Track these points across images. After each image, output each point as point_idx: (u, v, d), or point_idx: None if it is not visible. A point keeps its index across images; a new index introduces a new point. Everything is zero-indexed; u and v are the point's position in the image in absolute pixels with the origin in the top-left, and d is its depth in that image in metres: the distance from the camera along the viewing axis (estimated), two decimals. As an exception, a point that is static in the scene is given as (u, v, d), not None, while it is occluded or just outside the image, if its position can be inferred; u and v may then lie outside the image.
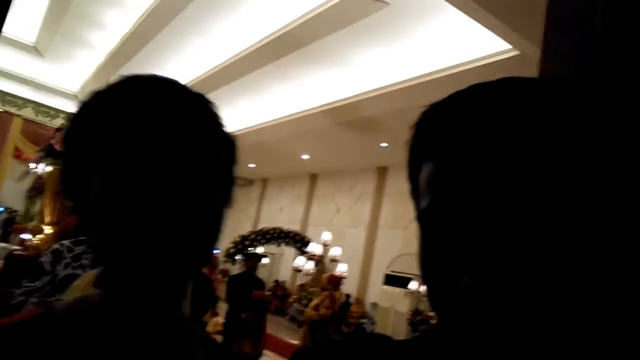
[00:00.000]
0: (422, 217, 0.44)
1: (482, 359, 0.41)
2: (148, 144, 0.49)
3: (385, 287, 11.44)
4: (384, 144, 11.05)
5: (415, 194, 0.47)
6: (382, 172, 13.12)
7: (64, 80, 13.29)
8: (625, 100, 0.71)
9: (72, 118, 0.55)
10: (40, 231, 4.56)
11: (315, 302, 6.60)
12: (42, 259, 2.12)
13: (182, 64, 10.01)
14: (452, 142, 0.42)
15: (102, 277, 0.55)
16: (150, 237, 0.48)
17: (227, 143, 0.57)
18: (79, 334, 0.52)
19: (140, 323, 0.54)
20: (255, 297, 5.62)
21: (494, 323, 0.39)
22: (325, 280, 6.73)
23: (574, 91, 0.43)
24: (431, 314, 10.06)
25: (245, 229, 14.12)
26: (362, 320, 11.10)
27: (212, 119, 0.56)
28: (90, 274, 1.59)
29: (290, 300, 11.87)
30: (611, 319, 0.45)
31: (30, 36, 11.18)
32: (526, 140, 0.38)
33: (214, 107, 0.57)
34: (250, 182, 18.32)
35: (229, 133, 0.58)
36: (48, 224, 4.29)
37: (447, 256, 0.41)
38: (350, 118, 9.85)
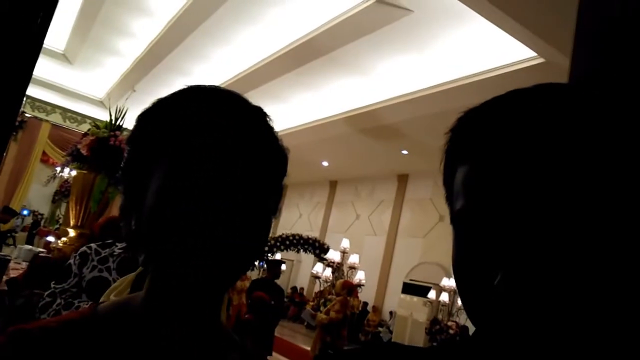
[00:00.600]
0: (458, 218, 0.45)
1: (515, 357, 0.41)
2: (210, 149, 0.51)
3: (404, 295, 11.35)
4: (404, 152, 11.01)
5: (450, 198, 0.48)
6: (402, 180, 13.06)
7: (92, 86, 13.60)
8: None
9: (136, 123, 0.57)
10: (65, 234, 4.64)
11: (328, 306, 6.63)
12: (70, 261, 2.17)
13: (207, 70, 10.15)
14: (488, 144, 0.42)
15: (146, 279, 0.57)
16: (200, 239, 0.49)
17: (280, 155, 0.59)
18: (121, 336, 0.54)
19: (180, 327, 0.55)
20: (255, 298, 5.66)
21: (526, 320, 0.39)
22: (340, 285, 6.76)
23: (607, 100, 0.43)
24: (449, 323, 9.95)
25: (265, 234, 14.16)
26: (380, 329, 11.02)
27: (269, 131, 0.58)
28: (129, 276, 1.63)
29: (307, 307, 11.87)
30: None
31: (59, 44, 11.47)
32: (561, 144, 0.39)
33: (270, 120, 0.58)
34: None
35: (282, 145, 0.60)
36: (73, 227, 4.37)
37: (481, 255, 0.41)
38: (371, 125, 9.84)
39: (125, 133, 4.48)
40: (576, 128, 0.40)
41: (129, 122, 4.49)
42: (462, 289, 0.44)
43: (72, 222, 4.34)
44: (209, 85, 0.57)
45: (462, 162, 0.45)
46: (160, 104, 0.56)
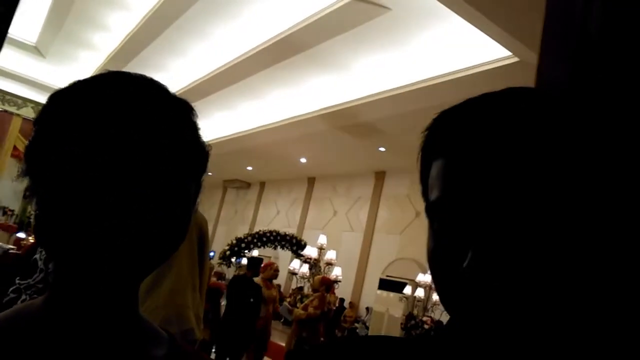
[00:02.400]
0: (431, 208, 0.48)
1: (488, 341, 0.44)
2: (116, 140, 0.49)
3: (380, 291, 11.43)
4: (382, 149, 11.08)
5: (425, 192, 0.51)
6: (379, 177, 13.15)
7: (65, 80, 13.19)
8: (616, 109, 0.72)
9: (47, 102, 0.54)
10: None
11: (305, 302, 6.67)
12: (36, 256, 2.12)
13: (183, 66, 10.03)
14: (461, 141, 0.46)
15: (52, 277, 0.55)
16: (99, 231, 0.48)
17: (197, 149, 0.57)
18: (18, 345, 0.51)
19: (88, 327, 0.53)
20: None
21: (491, 302, 0.41)
22: (318, 282, 6.80)
23: (567, 102, 0.48)
24: (424, 318, 10.08)
25: (242, 231, 14.11)
26: (356, 325, 11.09)
27: (188, 125, 0.56)
28: None
29: (285, 302, 11.88)
30: (607, 295, 0.47)
31: (31, 36, 11.19)
32: (525, 142, 0.43)
33: (194, 116, 0.57)
34: (247, 185, 18.33)
35: (203, 142, 0.58)
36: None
37: (452, 242, 0.44)
38: (349, 122, 9.87)
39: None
40: (538, 128, 0.44)
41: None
42: (435, 276, 0.47)
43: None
44: (134, 74, 0.55)
45: (437, 158, 0.48)
46: (76, 87, 0.53)
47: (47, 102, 0.53)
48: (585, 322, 0.46)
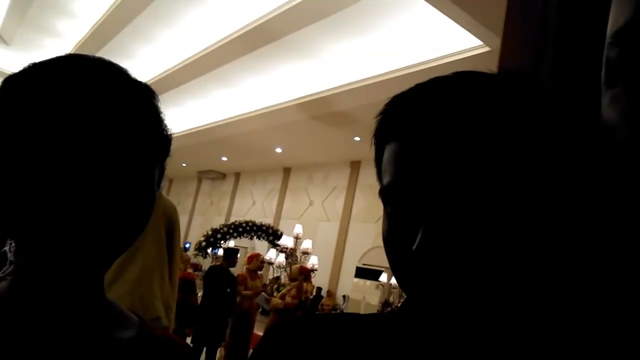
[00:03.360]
0: (384, 193, 0.49)
1: (436, 317, 0.46)
2: (73, 119, 0.48)
3: (357, 279, 11.56)
4: (357, 138, 11.13)
5: (379, 175, 0.52)
6: (355, 166, 13.21)
7: (30, 68, 12.89)
8: (566, 96, 0.75)
9: (2, 85, 0.53)
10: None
11: (282, 291, 6.71)
12: (5, 248, 2.08)
13: (154, 54, 9.85)
14: (409, 126, 0.47)
15: (15, 261, 0.55)
16: (57, 216, 0.47)
17: (161, 134, 0.57)
18: None
19: (53, 308, 0.53)
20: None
21: (442, 279, 0.43)
22: (296, 271, 6.83)
23: (516, 85, 0.49)
24: (400, 305, 10.24)
25: (218, 222, 14.03)
26: (333, 312, 11.20)
27: (148, 108, 0.55)
28: None
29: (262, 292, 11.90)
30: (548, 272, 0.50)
31: (-7, 23, 10.81)
32: (473, 125, 0.45)
33: (156, 99, 0.56)
34: (222, 176, 18.19)
35: (166, 126, 0.58)
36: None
37: (403, 225, 0.46)
38: (323, 112, 9.87)
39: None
40: (486, 112, 0.45)
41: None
42: (389, 258, 0.49)
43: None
44: (92, 56, 0.54)
45: (388, 142, 0.50)
46: (31, 70, 0.52)
47: (1, 85, 0.52)
48: (528, 301, 0.48)
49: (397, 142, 0.48)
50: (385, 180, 0.49)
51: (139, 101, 0.54)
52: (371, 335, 0.54)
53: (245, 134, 12.19)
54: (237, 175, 17.70)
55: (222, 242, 11.64)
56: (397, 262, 0.47)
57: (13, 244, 2.07)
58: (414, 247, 0.43)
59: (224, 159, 15.79)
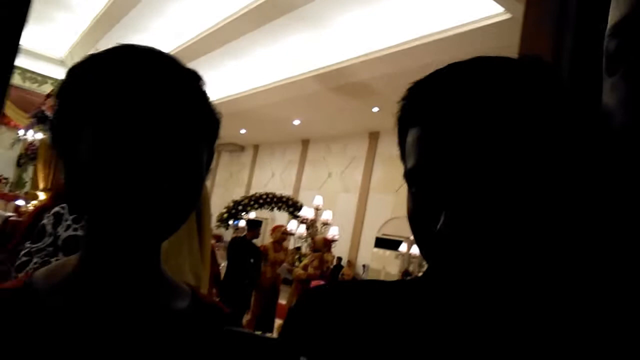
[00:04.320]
0: (408, 176, 0.52)
1: (456, 287, 0.50)
2: (139, 107, 0.53)
3: (376, 249, 11.67)
4: (375, 109, 11.05)
5: (403, 157, 0.55)
6: (373, 137, 13.16)
7: (50, 45, 13.02)
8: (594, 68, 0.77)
9: (66, 77, 0.58)
10: (35, 197, 4.59)
11: (304, 262, 6.84)
12: (44, 221, 2.18)
13: (170, 29, 9.83)
14: (431, 111, 0.50)
15: (84, 238, 0.61)
16: (129, 196, 0.53)
17: (210, 117, 0.61)
18: (57, 299, 0.57)
19: (120, 281, 0.59)
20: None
21: (463, 257, 0.47)
22: (321, 242, 6.95)
23: (536, 72, 0.51)
24: (419, 274, 10.32)
25: (238, 194, 14.20)
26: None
27: (200, 94, 0.60)
28: None
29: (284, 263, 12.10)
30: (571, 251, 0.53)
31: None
32: (492, 109, 0.47)
33: (204, 84, 0.61)
34: (241, 148, 18.30)
35: (214, 109, 0.62)
36: (42, 190, 4.32)
37: (428, 206, 0.50)
38: (341, 83, 9.81)
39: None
40: (506, 98, 0.47)
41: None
42: (415, 235, 0.53)
43: (41, 185, 4.30)
44: (143, 46, 0.58)
45: (411, 127, 0.52)
46: (92, 60, 0.57)
47: (67, 76, 0.58)
48: (544, 275, 0.52)
49: (419, 126, 0.51)
50: (410, 163, 0.52)
51: (191, 86, 0.59)
52: (397, 301, 0.58)
53: (263, 106, 12.20)
54: (256, 148, 17.78)
55: (243, 213, 11.81)
56: (422, 238, 0.51)
57: (52, 217, 2.17)
58: (438, 227, 0.47)
59: (243, 131, 15.85)
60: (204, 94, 0.61)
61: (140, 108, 0.54)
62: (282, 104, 11.78)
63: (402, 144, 0.55)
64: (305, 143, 15.56)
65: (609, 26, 0.31)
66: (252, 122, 14.16)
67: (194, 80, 0.60)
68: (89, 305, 0.58)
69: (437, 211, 0.48)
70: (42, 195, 4.32)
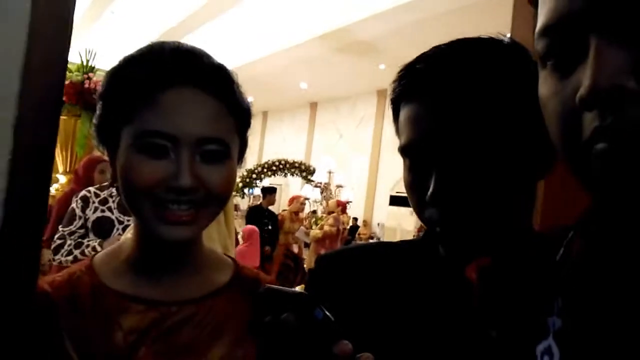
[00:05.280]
0: (401, 151, 0.60)
1: (444, 248, 0.59)
2: (176, 104, 0.61)
3: (391, 207, 11.77)
4: (382, 66, 10.92)
5: (397, 132, 0.62)
6: (382, 95, 13.05)
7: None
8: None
9: (106, 79, 0.64)
10: (55, 181, 4.72)
11: (321, 223, 7.01)
12: (73, 205, 2.30)
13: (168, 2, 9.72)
14: (422, 91, 0.56)
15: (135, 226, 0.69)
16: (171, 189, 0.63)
17: (242, 107, 0.69)
18: (117, 278, 0.67)
19: (170, 261, 0.68)
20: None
21: (448, 223, 0.56)
22: (334, 205, 7.09)
23: (510, 53, 0.57)
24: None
25: (250, 162, 14.29)
26: (370, 241, 11.55)
27: (231, 85, 0.67)
28: None
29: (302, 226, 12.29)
30: None
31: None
32: (476, 89, 0.54)
33: (233, 74, 0.67)
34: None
35: (244, 99, 0.69)
36: (62, 173, 4.44)
37: (420, 178, 0.57)
38: (346, 43, 9.67)
39: (98, 73, 4.43)
40: (485, 77, 0.54)
41: (99, 62, 4.43)
42: (412, 203, 0.61)
43: (60, 169, 4.41)
44: (172, 42, 0.63)
45: (403, 106, 0.60)
46: (128, 62, 0.63)
47: (106, 79, 0.64)
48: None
49: (410, 106, 0.58)
50: (402, 140, 0.59)
51: (229, 80, 0.65)
52: (398, 262, 0.67)
53: (269, 72, 12.12)
54: (265, 114, 17.76)
55: (257, 181, 11.95)
56: (416, 206, 0.59)
57: (79, 201, 2.28)
58: (427, 196, 0.55)
59: (250, 99, 15.71)
60: (233, 83, 0.66)
61: (180, 104, 0.60)
62: (287, 68, 11.69)
63: (396, 121, 0.62)
64: (314, 106, 15.49)
65: (537, 29, 0.36)
66: (259, 89, 14.08)
67: (225, 72, 0.66)
68: (146, 282, 0.67)
69: (426, 184, 0.55)
70: (62, 178, 4.44)
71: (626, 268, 0.38)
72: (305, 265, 7.16)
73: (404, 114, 0.59)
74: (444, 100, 0.54)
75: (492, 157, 0.53)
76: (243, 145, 0.70)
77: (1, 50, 0.46)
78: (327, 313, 0.44)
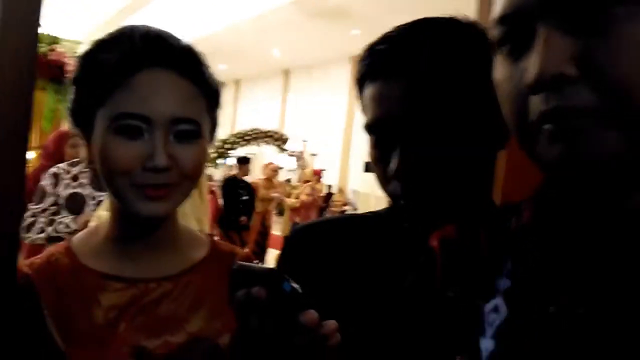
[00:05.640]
0: (368, 127, 0.63)
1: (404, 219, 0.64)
2: (147, 84, 0.63)
3: (366, 174, 11.86)
4: (355, 31, 10.81)
5: (363, 110, 0.65)
6: (355, 61, 12.93)
7: None
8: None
9: (79, 63, 0.66)
10: (23, 155, 4.59)
11: (297, 192, 7.09)
12: (42, 182, 2.27)
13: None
14: (384, 70, 0.59)
15: (112, 206, 0.71)
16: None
17: (212, 87, 0.72)
18: (94, 256, 0.70)
19: (146, 239, 0.71)
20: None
21: (407, 196, 0.61)
22: (310, 174, 7.16)
23: (469, 33, 0.60)
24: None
25: (224, 132, 14.15)
26: (345, 208, 11.67)
27: (200, 65, 0.70)
28: None
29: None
30: None
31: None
32: (432, 67, 0.57)
33: (201, 55, 0.70)
34: (222, 85, 17.95)
35: (214, 79, 0.72)
36: (33, 149, 4.33)
37: (383, 153, 0.61)
38: (318, 8, 9.52)
39: (64, 43, 4.28)
40: (445, 57, 0.57)
41: (65, 33, 4.28)
42: (377, 176, 0.65)
43: (32, 144, 4.30)
44: (141, 26, 0.65)
45: (367, 85, 0.63)
46: (99, 46, 0.64)
47: (78, 62, 0.66)
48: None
49: (373, 84, 0.61)
50: (368, 117, 0.62)
51: (193, 61, 0.67)
52: (365, 233, 0.71)
53: (241, 40, 11.87)
54: (237, 83, 17.46)
55: (230, 152, 11.86)
56: (380, 180, 0.63)
57: (49, 178, 2.25)
58: (388, 171, 0.59)
59: (222, 67, 15.51)
60: (202, 64, 0.69)
61: (151, 84, 0.62)
62: (259, 35, 11.47)
63: (360, 99, 0.65)
64: (287, 73, 15.30)
65: (493, 17, 0.40)
66: (231, 57, 13.82)
67: (194, 55, 0.68)
68: (122, 259, 0.70)
69: (389, 159, 0.59)
70: (30, 154, 4.33)
71: (569, 234, 0.42)
72: (280, 232, 7.24)
73: (368, 92, 0.62)
74: (405, 79, 0.57)
75: (451, 133, 0.57)
76: (214, 124, 0.72)
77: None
78: (295, 286, 0.48)
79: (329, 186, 12.10)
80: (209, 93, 0.69)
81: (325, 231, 0.74)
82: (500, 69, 0.41)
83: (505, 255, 0.46)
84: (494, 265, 0.46)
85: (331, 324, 0.48)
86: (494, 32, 0.40)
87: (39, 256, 0.71)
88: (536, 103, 0.36)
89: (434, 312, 0.50)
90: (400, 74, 0.57)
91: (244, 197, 6.30)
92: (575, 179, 0.38)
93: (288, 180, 11.64)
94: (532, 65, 0.35)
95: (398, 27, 0.61)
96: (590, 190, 0.40)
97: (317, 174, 7.44)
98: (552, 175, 0.42)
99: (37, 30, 0.55)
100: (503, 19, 0.39)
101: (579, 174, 0.36)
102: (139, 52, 0.62)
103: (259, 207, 6.67)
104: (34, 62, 0.56)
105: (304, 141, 11.03)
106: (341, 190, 12.33)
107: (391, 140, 0.59)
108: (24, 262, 0.67)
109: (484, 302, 0.45)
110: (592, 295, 0.38)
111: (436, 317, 0.49)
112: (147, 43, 0.63)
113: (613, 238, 0.40)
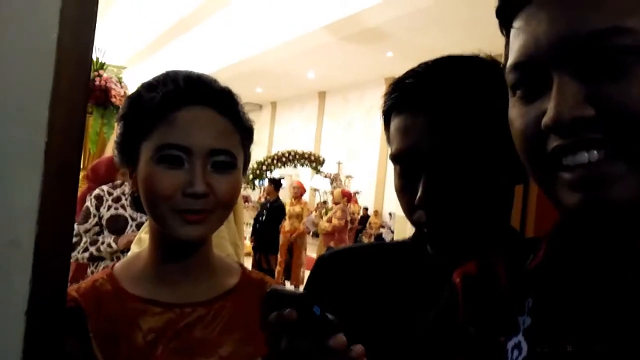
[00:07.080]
0: (392, 159, 0.65)
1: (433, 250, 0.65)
2: (190, 124, 0.69)
3: (402, 196, 11.77)
4: (389, 54, 10.88)
5: (388, 141, 0.67)
6: (390, 83, 13.01)
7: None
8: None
9: (125, 104, 0.72)
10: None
11: (329, 215, 7.08)
12: (87, 204, 2.36)
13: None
14: (410, 105, 0.62)
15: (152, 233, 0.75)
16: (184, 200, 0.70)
17: (246, 126, 0.76)
18: (136, 284, 0.73)
19: (183, 267, 0.74)
20: None
21: (434, 227, 0.63)
22: (339, 195, 7.17)
23: (491, 71, 0.63)
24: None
25: (260, 154, 14.37)
26: (381, 230, 11.59)
27: (235, 106, 0.74)
28: None
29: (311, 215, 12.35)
30: None
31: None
32: (457, 103, 0.60)
33: (237, 97, 0.74)
34: (259, 107, 18.33)
35: (248, 118, 0.76)
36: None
37: (409, 184, 0.63)
38: (352, 31, 9.65)
39: (109, 69, 4.48)
40: (468, 94, 0.60)
41: (109, 58, 4.48)
42: (401, 205, 0.66)
43: (75, 167, 4.47)
44: (183, 70, 0.71)
45: (394, 117, 0.65)
46: (146, 87, 0.70)
47: (125, 103, 0.72)
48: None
49: (399, 117, 0.63)
50: (394, 148, 0.64)
51: (230, 103, 0.72)
52: (391, 261, 0.73)
53: (277, 63, 12.13)
54: (274, 105, 17.79)
55: (267, 172, 12.01)
56: (406, 210, 0.65)
57: (93, 199, 2.34)
58: (416, 201, 0.60)
59: (259, 90, 15.84)
60: (238, 104, 0.73)
61: (192, 123, 0.67)
62: (295, 58, 11.69)
63: (387, 131, 0.67)
64: (322, 95, 15.50)
65: (508, 64, 0.43)
66: (268, 80, 14.13)
67: (230, 95, 0.73)
68: (163, 286, 0.72)
69: (415, 190, 0.61)
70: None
71: (584, 274, 0.44)
72: (315, 255, 7.24)
73: (394, 124, 0.64)
74: (431, 113, 0.59)
75: (473, 165, 0.59)
76: (246, 158, 0.75)
77: (31, 76, 0.50)
78: (325, 310, 0.48)
79: (365, 208, 12.07)
80: (242, 129, 0.73)
81: (353, 259, 0.76)
82: (514, 109, 0.43)
83: (526, 292, 0.47)
84: (515, 303, 0.48)
85: (358, 348, 0.49)
86: (508, 77, 0.43)
87: (84, 281, 0.74)
88: (550, 139, 0.39)
89: (456, 348, 0.51)
90: (426, 107, 0.60)
91: (261, 217, 6.45)
92: (595, 223, 0.41)
93: (324, 202, 11.68)
94: (549, 109, 0.37)
95: (423, 63, 0.64)
96: (608, 232, 0.42)
97: (347, 196, 7.43)
98: (570, 219, 0.45)
99: (90, 61, 0.58)
100: (517, 66, 0.41)
101: (600, 219, 0.39)
102: (182, 91, 0.68)
103: (286, 226, 6.73)
104: (86, 92, 0.59)
105: (339, 163, 11.07)
106: (377, 213, 12.27)
107: (416, 171, 0.61)
108: (71, 287, 0.70)
109: (505, 338, 0.46)
110: (609, 334, 0.40)
111: (458, 352, 0.50)
112: (188, 83, 0.69)
113: (628, 277, 0.41)
